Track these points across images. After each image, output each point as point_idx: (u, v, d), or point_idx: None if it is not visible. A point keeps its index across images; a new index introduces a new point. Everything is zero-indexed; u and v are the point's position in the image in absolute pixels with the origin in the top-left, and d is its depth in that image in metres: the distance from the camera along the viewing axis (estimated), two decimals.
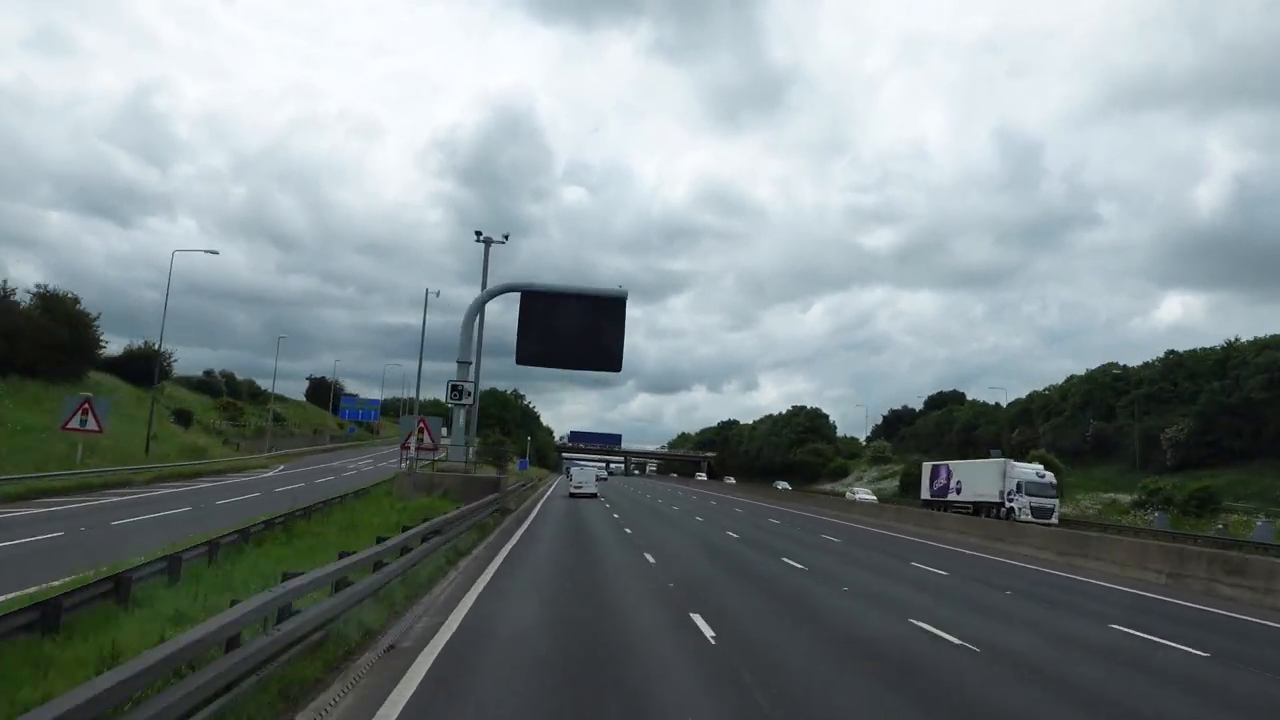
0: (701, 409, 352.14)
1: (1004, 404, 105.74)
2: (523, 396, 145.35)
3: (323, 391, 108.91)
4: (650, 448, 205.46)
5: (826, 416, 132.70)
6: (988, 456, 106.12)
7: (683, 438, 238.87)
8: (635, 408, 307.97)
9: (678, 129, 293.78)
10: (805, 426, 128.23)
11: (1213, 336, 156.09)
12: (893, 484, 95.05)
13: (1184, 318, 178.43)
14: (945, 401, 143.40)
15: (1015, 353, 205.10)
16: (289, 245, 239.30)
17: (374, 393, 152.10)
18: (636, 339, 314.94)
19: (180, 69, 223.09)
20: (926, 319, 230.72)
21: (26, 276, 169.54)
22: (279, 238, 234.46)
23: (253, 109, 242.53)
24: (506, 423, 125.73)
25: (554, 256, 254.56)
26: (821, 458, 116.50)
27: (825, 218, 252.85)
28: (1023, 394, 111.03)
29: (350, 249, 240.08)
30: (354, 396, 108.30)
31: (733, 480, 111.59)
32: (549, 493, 61.10)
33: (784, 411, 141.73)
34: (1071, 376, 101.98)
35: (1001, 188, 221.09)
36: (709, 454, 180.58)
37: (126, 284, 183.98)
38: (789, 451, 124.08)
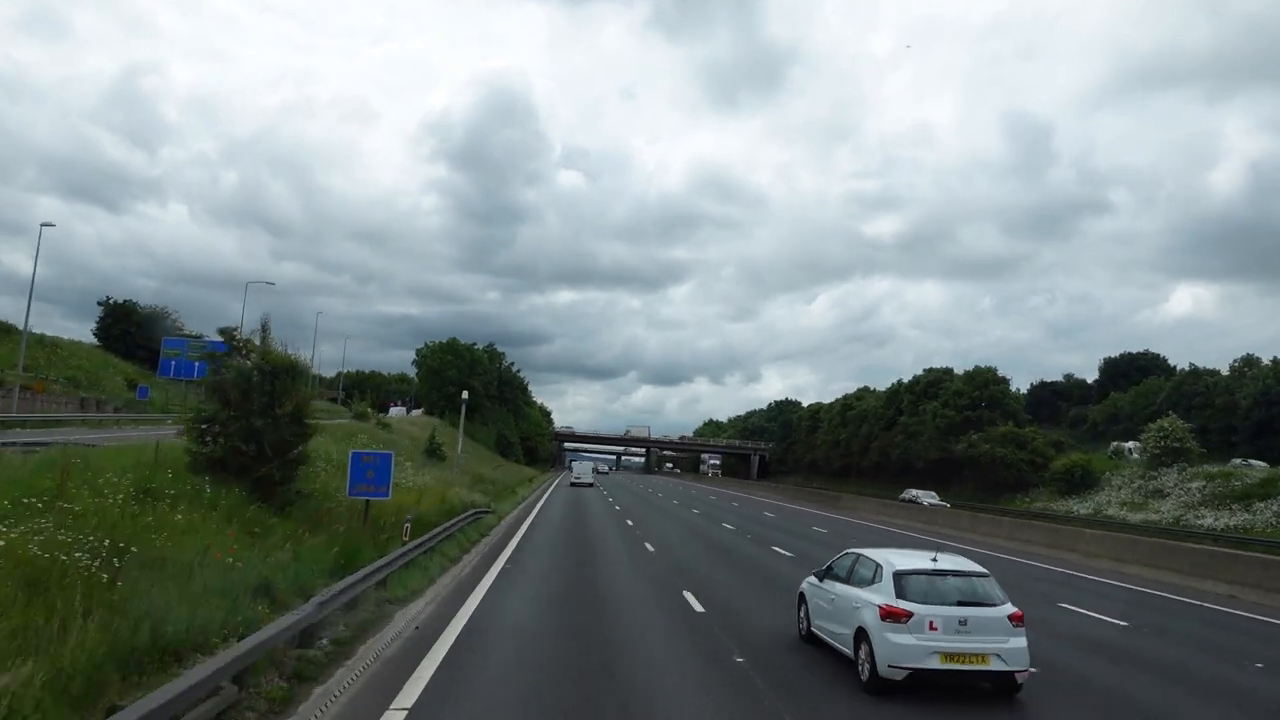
0: (704, 401, 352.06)
1: None
2: (503, 355, 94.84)
3: (123, 329, 58.27)
4: (661, 436, 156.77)
5: (1006, 381, 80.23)
6: None
7: (710, 426, 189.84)
8: (638, 399, 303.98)
9: (675, 111, 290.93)
10: (972, 398, 76.02)
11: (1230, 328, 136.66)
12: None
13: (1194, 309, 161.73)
14: (1140, 368, 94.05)
15: (1021, 344, 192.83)
16: (282, 231, 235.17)
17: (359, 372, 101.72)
18: (637, 330, 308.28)
19: (171, 52, 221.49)
20: (931, 310, 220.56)
21: (17, 264, 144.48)
22: (272, 224, 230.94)
23: (244, 93, 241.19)
24: (474, 392, 75.95)
25: (551, 244, 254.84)
26: (1027, 452, 65.66)
27: (827, 204, 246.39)
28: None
29: (344, 236, 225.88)
30: (186, 339, 57.80)
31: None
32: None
33: (907, 380, 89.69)
34: None
35: (1009, 173, 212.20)
36: (761, 446, 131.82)
37: (118, 271, 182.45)
38: (948, 440, 73.18)
